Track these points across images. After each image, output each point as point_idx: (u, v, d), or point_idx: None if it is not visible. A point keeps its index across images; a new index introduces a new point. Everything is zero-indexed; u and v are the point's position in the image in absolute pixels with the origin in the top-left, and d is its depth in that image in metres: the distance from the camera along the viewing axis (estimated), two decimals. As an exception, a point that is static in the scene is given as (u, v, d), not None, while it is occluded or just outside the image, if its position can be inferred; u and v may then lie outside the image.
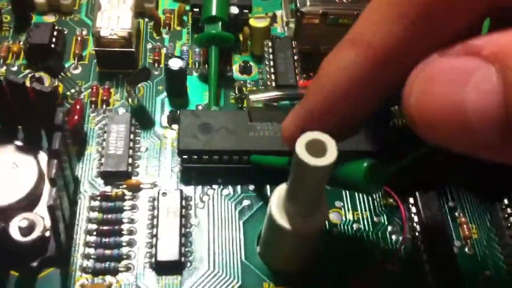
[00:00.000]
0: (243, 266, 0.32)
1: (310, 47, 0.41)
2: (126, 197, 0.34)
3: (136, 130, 0.37)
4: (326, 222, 0.34)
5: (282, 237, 0.30)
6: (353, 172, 0.27)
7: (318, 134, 0.25)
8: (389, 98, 0.37)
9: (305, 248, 0.31)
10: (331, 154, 0.25)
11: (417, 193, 0.34)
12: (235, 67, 0.41)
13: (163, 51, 0.41)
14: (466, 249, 0.34)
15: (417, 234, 0.33)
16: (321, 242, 0.33)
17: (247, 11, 0.43)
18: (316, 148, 0.25)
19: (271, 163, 0.33)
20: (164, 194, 0.33)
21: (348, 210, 0.35)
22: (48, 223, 0.30)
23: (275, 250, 0.32)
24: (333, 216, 0.35)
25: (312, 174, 0.26)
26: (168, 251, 0.31)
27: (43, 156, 0.33)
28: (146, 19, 0.44)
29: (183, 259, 0.31)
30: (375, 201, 0.35)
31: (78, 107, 0.35)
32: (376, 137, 0.35)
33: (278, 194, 0.29)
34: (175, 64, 0.37)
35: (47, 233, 0.30)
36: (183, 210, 0.33)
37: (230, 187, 0.35)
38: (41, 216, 0.30)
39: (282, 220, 0.29)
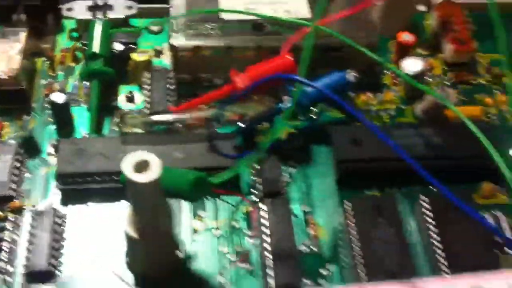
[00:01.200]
0: (114, 277, 0.36)
1: (188, 76, 0.46)
2: (9, 218, 0.38)
3: (24, 159, 0.41)
4: (191, 229, 0.39)
5: (135, 245, 0.34)
6: (182, 184, 0.32)
7: (144, 154, 0.30)
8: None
9: (160, 255, 0.35)
10: (154, 171, 0.30)
11: (268, 200, 0.39)
12: (121, 97, 0.46)
13: (56, 86, 0.46)
14: (312, 249, 0.38)
15: (266, 237, 0.37)
16: (183, 247, 0.38)
17: (133, 46, 0.47)
18: (143, 166, 0.30)
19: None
20: (40, 213, 0.37)
21: (210, 218, 0.40)
22: None
23: (136, 259, 0.36)
24: (196, 224, 0.39)
25: (139, 189, 0.30)
26: (39, 263, 0.35)
27: None
28: (44, 58, 0.48)
29: (53, 269, 0.36)
30: (237, 209, 0.40)
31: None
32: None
33: (130, 213, 0.34)
34: (57, 98, 0.42)
35: None
36: (59, 227, 0.37)
37: (104, 205, 0.39)
38: None
39: (130, 230, 0.33)
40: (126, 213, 0.34)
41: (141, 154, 0.30)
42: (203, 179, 0.32)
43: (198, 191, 0.32)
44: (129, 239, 0.34)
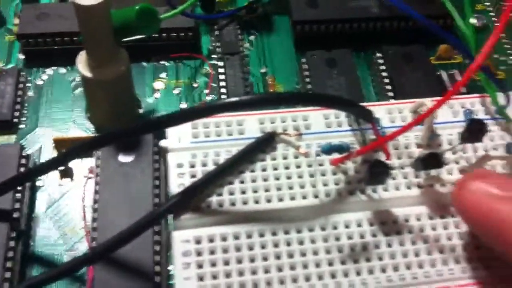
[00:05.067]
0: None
1: None
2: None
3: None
4: (152, 88, 0.40)
5: (93, 88, 0.35)
6: (129, 14, 0.33)
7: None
8: None
9: (118, 102, 0.36)
10: (100, -4, 0.31)
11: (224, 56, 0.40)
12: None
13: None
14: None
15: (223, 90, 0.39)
16: (143, 104, 0.39)
17: None
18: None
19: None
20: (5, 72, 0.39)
21: (171, 79, 0.41)
22: None
23: (96, 106, 0.37)
24: (157, 85, 0.40)
25: (85, 16, 0.31)
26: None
27: None
28: None
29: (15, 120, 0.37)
30: (197, 71, 0.41)
31: None
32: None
33: (81, 54, 0.35)
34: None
35: None
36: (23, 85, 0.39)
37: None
38: None
39: (85, 71, 0.34)
40: (79, 59, 0.34)
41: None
42: (150, 9, 0.33)
43: (144, 20, 0.32)
44: (85, 82, 0.35)
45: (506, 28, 0.44)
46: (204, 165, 0.29)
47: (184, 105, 0.39)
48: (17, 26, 0.42)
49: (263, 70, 0.42)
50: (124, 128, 0.28)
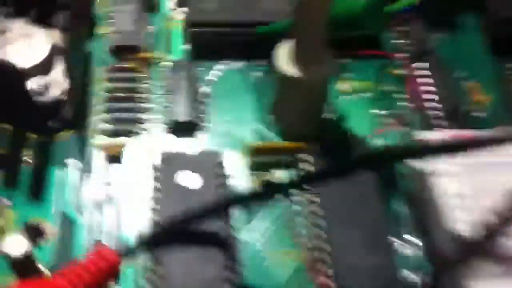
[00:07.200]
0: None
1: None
2: (139, 69, 0.34)
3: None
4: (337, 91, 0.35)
5: (291, 88, 0.30)
6: (352, 4, 0.27)
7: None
8: None
9: (315, 101, 0.32)
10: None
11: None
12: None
13: None
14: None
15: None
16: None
17: None
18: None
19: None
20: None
21: (357, 80, 0.35)
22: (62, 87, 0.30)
23: (287, 108, 0.32)
24: (342, 86, 0.35)
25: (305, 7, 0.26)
26: (182, 113, 0.32)
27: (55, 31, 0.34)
28: None
29: (196, 120, 0.32)
30: (384, 70, 0.36)
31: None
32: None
33: (282, 50, 0.30)
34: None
35: (64, 97, 0.31)
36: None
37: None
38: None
39: (288, 68, 0.29)
40: (279, 55, 0.30)
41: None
42: (381, 2, 0.28)
43: (373, 17, 0.27)
44: (282, 78, 0.30)
45: None
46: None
47: (375, 111, 0.34)
48: (174, 11, 0.37)
49: (459, 74, 0.36)
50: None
